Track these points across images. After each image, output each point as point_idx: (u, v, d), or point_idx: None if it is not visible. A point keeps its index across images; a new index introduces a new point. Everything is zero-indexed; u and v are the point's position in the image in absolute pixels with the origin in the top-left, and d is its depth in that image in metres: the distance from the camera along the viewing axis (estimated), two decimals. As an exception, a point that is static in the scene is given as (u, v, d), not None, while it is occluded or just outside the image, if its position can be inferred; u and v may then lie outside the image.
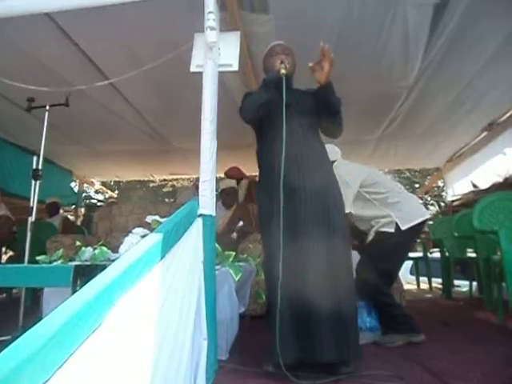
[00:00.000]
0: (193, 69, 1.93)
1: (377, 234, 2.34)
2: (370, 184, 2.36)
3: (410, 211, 2.32)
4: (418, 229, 2.32)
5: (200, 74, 1.80)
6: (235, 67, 1.91)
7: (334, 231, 1.76)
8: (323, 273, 1.70)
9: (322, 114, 1.94)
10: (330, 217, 1.78)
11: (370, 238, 2.38)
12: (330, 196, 1.84)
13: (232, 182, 3.81)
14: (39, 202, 2.67)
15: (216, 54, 1.81)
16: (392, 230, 2.26)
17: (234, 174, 4.63)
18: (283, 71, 1.84)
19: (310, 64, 1.78)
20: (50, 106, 2.69)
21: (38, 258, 2.23)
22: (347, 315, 1.69)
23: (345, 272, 1.74)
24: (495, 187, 4.36)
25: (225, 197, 3.63)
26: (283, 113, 1.79)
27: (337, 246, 1.75)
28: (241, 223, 3.36)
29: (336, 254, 1.74)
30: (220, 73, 1.84)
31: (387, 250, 2.28)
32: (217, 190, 3.62)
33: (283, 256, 1.68)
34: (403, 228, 2.24)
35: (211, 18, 1.74)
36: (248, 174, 4.93)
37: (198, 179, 1.86)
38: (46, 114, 2.68)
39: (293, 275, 1.67)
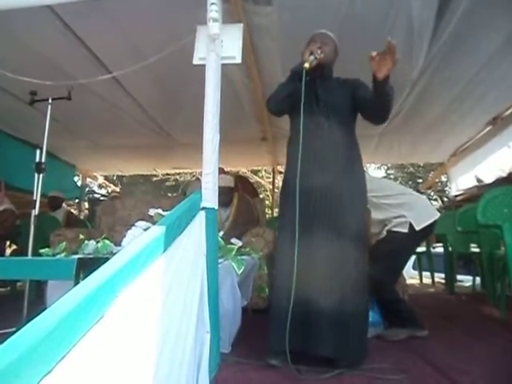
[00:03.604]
0: (196, 61, 1.92)
1: (388, 232, 2.31)
2: (377, 189, 2.32)
3: (423, 210, 2.31)
4: (430, 228, 2.31)
5: (203, 67, 1.78)
6: (238, 59, 1.89)
7: (345, 231, 1.73)
8: (328, 272, 1.69)
9: (371, 103, 1.82)
10: (342, 216, 1.75)
11: (380, 236, 2.36)
12: (349, 196, 1.79)
13: (229, 180, 3.55)
14: (43, 195, 2.67)
15: (219, 46, 1.79)
16: (405, 230, 2.23)
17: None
18: (306, 64, 1.80)
19: (374, 53, 1.63)
20: (53, 99, 2.69)
21: (41, 251, 2.25)
22: (353, 316, 1.68)
23: (355, 273, 1.72)
24: (499, 182, 4.34)
25: (221, 196, 3.50)
26: (309, 106, 1.80)
27: (347, 247, 1.71)
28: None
29: (345, 255, 1.71)
30: (222, 66, 1.83)
31: (398, 249, 2.26)
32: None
33: (291, 252, 1.68)
34: (418, 228, 2.22)
35: (214, 10, 1.72)
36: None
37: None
38: (49, 107, 2.68)
39: (299, 271, 1.66)
